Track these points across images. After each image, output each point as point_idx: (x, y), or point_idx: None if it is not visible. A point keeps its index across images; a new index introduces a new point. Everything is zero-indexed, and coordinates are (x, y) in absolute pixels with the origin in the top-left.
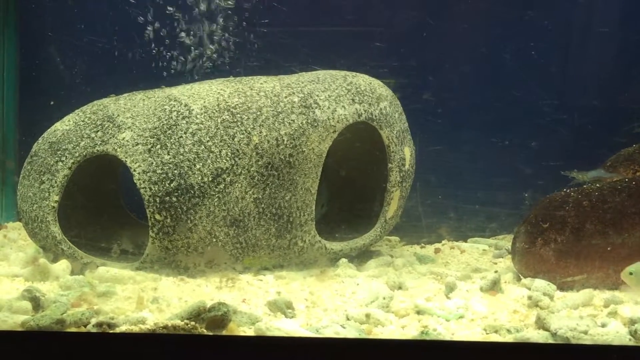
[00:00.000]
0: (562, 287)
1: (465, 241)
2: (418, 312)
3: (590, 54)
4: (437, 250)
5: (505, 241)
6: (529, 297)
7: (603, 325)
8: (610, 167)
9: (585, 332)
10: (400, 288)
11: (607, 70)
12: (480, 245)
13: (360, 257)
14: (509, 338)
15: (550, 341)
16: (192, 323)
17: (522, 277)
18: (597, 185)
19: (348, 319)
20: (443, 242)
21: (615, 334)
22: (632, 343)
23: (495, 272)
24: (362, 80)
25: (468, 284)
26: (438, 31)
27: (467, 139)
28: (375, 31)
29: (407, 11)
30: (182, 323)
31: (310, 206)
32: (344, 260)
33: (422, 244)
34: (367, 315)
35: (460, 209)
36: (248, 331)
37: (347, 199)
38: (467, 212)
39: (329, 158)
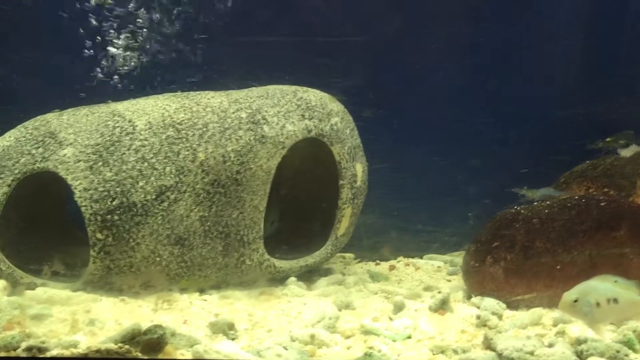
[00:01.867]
0: (511, 306)
1: (421, 258)
2: (365, 333)
3: (540, 72)
4: (391, 268)
5: (461, 258)
6: (478, 317)
7: (550, 346)
8: (563, 183)
9: (532, 353)
10: (348, 307)
11: (552, 88)
12: (435, 262)
13: (312, 275)
14: (454, 359)
15: None
16: (127, 347)
17: (472, 295)
18: (547, 202)
19: (292, 340)
20: (398, 259)
21: (562, 354)
22: None
23: (439, 292)
24: (313, 95)
25: (417, 303)
26: (380, 48)
27: (411, 157)
28: (319, 47)
29: (353, 28)
30: (116, 347)
31: (259, 224)
32: (292, 279)
33: (377, 261)
34: (312, 336)
35: (403, 227)
36: (186, 354)
37: (300, 216)
38: (410, 231)
39: (281, 174)
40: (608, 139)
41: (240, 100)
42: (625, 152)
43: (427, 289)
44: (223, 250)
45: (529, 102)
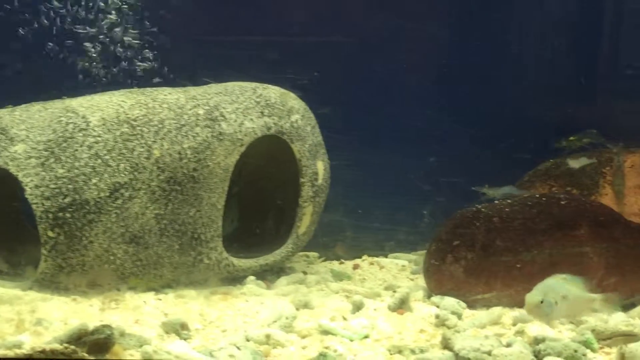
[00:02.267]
0: (471, 305)
1: (386, 256)
2: (322, 332)
3: (498, 68)
4: (355, 267)
5: None
6: (437, 316)
7: (508, 345)
8: (527, 182)
9: (489, 353)
10: (306, 307)
11: (508, 85)
12: (400, 261)
13: (273, 274)
14: (411, 359)
15: None
16: (72, 347)
17: (432, 294)
18: (508, 201)
19: (247, 340)
20: (363, 257)
21: (519, 354)
22: None
23: (394, 291)
24: (273, 92)
25: (377, 302)
26: (339, 47)
27: (366, 154)
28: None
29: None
30: (62, 347)
31: (217, 222)
32: (251, 278)
33: (341, 260)
34: (267, 336)
35: (357, 226)
36: (135, 354)
37: (261, 214)
38: (364, 229)
39: (242, 172)
40: (571, 138)
41: (198, 96)
42: (574, 164)
43: (389, 288)
44: (180, 248)
45: (492, 101)
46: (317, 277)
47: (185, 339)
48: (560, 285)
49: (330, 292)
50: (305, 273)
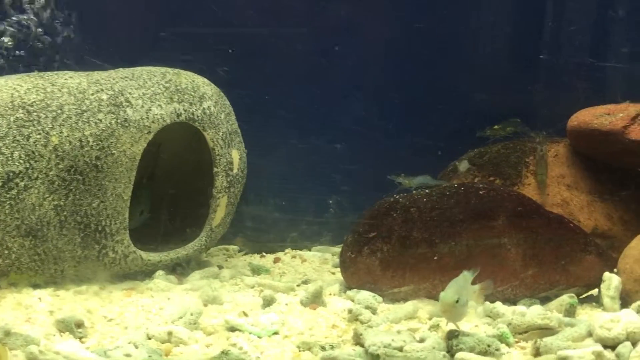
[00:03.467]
0: (388, 299)
1: (309, 250)
2: (229, 329)
3: (427, 55)
4: (276, 260)
5: None
6: (350, 311)
7: (421, 340)
8: (451, 172)
9: (400, 348)
10: (215, 302)
11: (442, 74)
12: (323, 254)
13: (187, 268)
14: (320, 356)
15: (359, 359)
16: None
17: (349, 288)
18: (426, 191)
19: (149, 338)
20: (286, 251)
21: (431, 349)
22: None
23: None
24: (185, 77)
25: (290, 297)
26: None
27: (266, 140)
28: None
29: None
30: None
31: (123, 214)
32: (160, 272)
33: (263, 254)
34: (170, 333)
35: (259, 217)
36: (20, 355)
37: (175, 206)
38: (266, 220)
39: (155, 161)
40: (495, 127)
41: (102, 81)
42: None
43: (306, 282)
44: (82, 242)
45: (418, 89)
46: (232, 271)
47: (80, 338)
48: (467, 283)
49: (244, 286)
50: (220, 267)
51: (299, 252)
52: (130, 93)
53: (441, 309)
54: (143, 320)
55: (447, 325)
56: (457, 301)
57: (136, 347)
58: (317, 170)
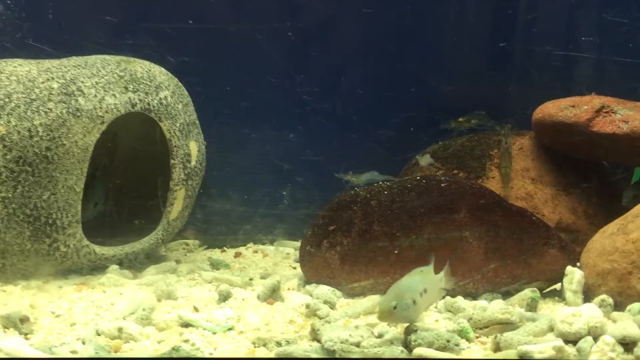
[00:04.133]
0: (348, 294)
1: (272, 244)
2: (183, 325)
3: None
4: (237, 255)
5: None
6: (307, 306)
7: (380, 336)
8: (414, 165)
9: (358, 344)
10: (169, 297)
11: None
12: (285, 249)
13: (144, 262)
14: (275, 352)
15: (315, 355)
16: None
17: (308, 283)
18: (387, 184)
19: (98, 334)
20: (248, 245)
21: (389, 345)
22: (403, 356)
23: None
24: (140, 66)
25: (247, 292)
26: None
27: (216, 130)
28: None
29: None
30: None
31: (75, 206)
32: (113, 266)
33: (224, 248)
34: (120, 330)
35: (209, 209)
36: None
37: (132, 198)
38: (217, 213)
39: (111, 153)
40: (460, 119)
41: (53, 69)
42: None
43: (265, 276)
44: (32, 235)
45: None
46: (191, 266)
47: (25, 334)
48: (417, 283)
49: (202, 281)
50: (178, 261)
51: (260, 246)
52: (82, 82)
53: (378, 316)
54: (93, 316)
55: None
56: (394, 307)
57: (84, 343)
58: (270, 162)
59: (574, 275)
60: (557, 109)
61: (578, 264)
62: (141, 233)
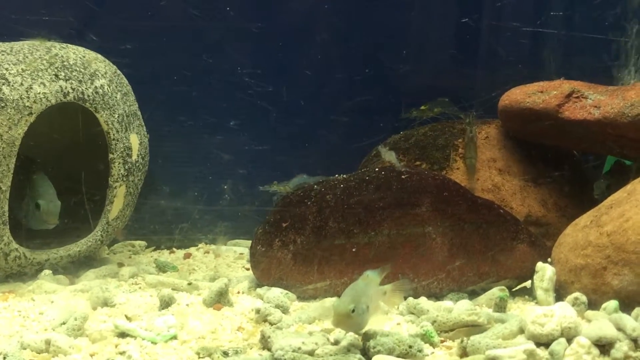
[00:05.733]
0: (302, 297)
1: (225, 244)
2: (119, 335)
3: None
4: (187, 256)
5: None
6: (257, 311)
7: (336, 342)
8: (375, 157)
9: (311, 352)
10: (106, 304)
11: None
12: (238, 248)
13: (83, 266)
14: None
15: None
16: None
17: (260, 285)
18: (344, 176)
19: (23, 348)
20: (199, 246)
21: (346, 352)
22: None
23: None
24: (73, 52)
25: (192, 297)
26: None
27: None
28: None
29: None
30: None
31: (2, 206)
32: (46, 272)
33: (173, 249)
34: (47, 342)
35: (140, 205)
36: None
37: (69, 197)
38: (149, 209)
39: (46, 147)
40: (422, 107)
41: None
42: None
43: (213, 279)
44: None
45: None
46: (134, 269)
47: None
48: (366, 286)
49: (145, 286)
50: (120, 265)
51: (212, 246)
52: (7, 69)
53: (334, 320)
54: (18, 327)
55: None
56: (352, 310)
57: (5, 358)
58: (211, 154)
59: (544, 272)
60: (525, 94)
61: (549, 259)
62: (78, 234)
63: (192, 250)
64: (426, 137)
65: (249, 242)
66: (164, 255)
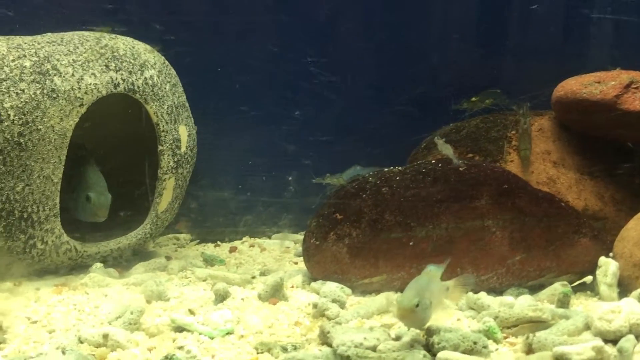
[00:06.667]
0: (358, 291)
1: (270, 237)
2: (176, 329)
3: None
4: (232, 250)
5: None
6: (314, 306)
7: (397, 338)
8: (425, 149)
9: (374, 348)
10: (160, 298)
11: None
12: (285, 242)
13: (132, 260)
14: (281, 358)
15: None
16: None
17: (314, 280)
18: (400, 169)
19: (81, 342)
20: (244, 239)
21: (409, 348)
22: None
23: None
24: (123, 43)
25: (246, 291)
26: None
27: (212, 109)
28: None
29: None
30: None
31: (53, 199)
32: (97, 265)
33: (217, 243)
34: (105, 336)
35: (203, 198)
36: None
37: (119, 189)
38: (212, 201)
39: (94, 138)
40: (473, 99)
41: (25, 46)
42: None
43: (264, 273)
44: (5, 231)
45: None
46: (182, 263)
47: None
48: (429, 281)
49: (195, 279)
50: (168, 258)
51: (257, 240)
52: (58, 60)
53: (398, 314)
54: (74, 321)
55: None
56: (417, 305)
57: (64, 353)
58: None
59: (608, 267)
60: (581, 85)
61: (611, 254)
62: (128, 228)
63: (236, 243)
64: (478, 129)
65: (294, 236)
66: (210, 249)
